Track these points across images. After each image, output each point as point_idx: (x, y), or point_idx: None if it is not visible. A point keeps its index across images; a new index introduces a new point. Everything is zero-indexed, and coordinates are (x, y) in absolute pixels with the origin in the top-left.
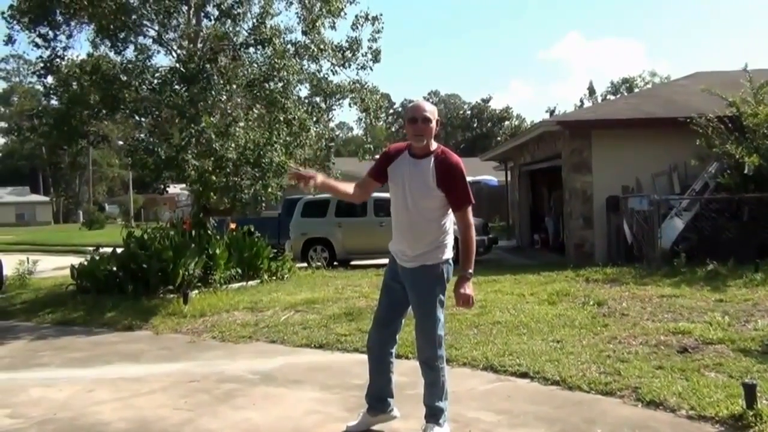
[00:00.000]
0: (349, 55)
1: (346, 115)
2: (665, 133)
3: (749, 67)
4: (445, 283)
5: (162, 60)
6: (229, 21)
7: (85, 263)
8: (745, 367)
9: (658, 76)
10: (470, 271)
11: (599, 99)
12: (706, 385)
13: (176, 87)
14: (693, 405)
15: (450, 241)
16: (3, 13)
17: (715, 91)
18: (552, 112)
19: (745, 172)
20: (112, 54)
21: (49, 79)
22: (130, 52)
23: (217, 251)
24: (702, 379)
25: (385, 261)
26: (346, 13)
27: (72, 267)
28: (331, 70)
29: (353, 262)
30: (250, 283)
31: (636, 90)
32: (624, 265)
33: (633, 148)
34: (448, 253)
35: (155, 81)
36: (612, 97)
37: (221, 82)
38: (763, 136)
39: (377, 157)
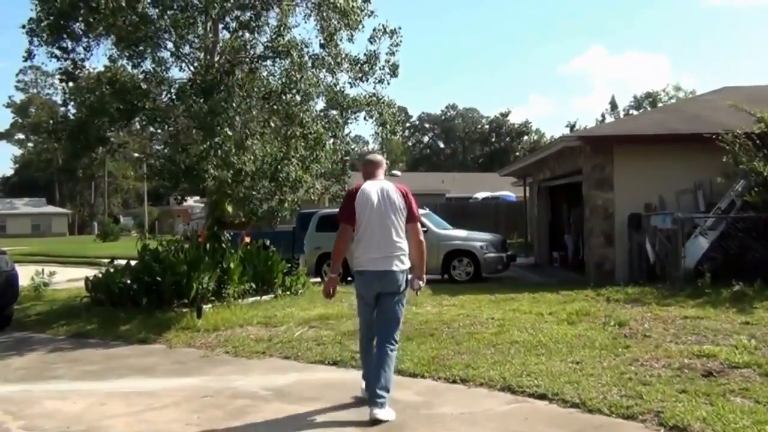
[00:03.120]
0: (367, 69)
1: (362, 128)
2: (690, 149)
3: None
4: None
5: (178, 75)
6: (246, 33)
7: (100, 275)
8: None
9: (683, 90)
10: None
11: (621, 114)
12: (732, 411)
13: (195, 98)
14: (718, 431)
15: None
16: (23, 26)
17: (742, 107)
18: (572, 127)
19: None
20: (129, 67)
21: (70, 85)
22: (147, 65)
23: (231, 265)
24: (727, 404)
25: None
26: (364, 26)
27: (86, 279)
28: (349, 83)
29: None
30: (264, 297)
31: (660, 105)
32: (646, 285)
33: (656, 164)
34: None
35: (173, 91)
36: (635, 112)
37: (240, 94)
38: None
39: (394, 172)
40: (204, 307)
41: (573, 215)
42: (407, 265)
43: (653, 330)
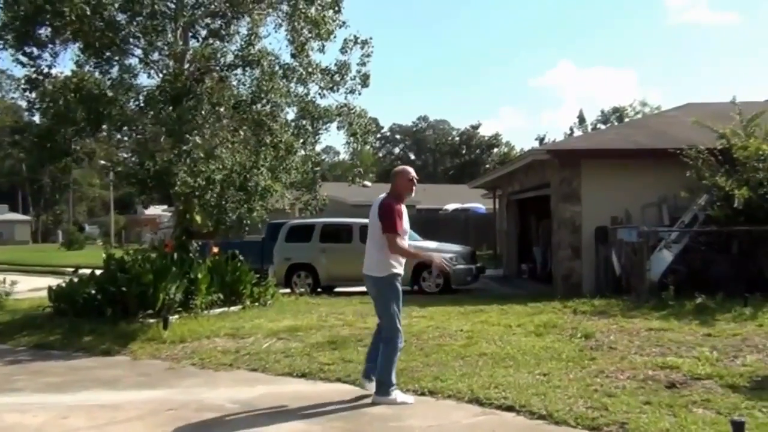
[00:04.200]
0: (338, 79)
1: (332, 139)
2: (655, 164)
3: (738, 99)
4: None
5: (146, 82)
6: (216, 41)
7: (63, 285)
8: (734, 404)
9: (649, 105)
10: None
11: (589, 128)
12: (694, 422)
13: (163, 106)
14: None
15: None
16: None
17: (705, 123)
18: (542, 140)
19: (735, 205)
20: (96, 74)
21: (33, 95)
22: (115, 72)
23: (199, 275)
24: (690, 415)
25: None
26: (335, 37)
27: (50, 289)
28: (319, 94)
29: (337, 289)
30: (232, 308)
31: (626, 119)
32: (612, 297)
33: (623, 178)
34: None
35: (141, 98)
36: (602, 126)
37: (210, 102)
38: (753, 169)
39: (365, 183)
40: (170, 318)
41: (541, 228)
42: (380, 273)
43: (619, 342)
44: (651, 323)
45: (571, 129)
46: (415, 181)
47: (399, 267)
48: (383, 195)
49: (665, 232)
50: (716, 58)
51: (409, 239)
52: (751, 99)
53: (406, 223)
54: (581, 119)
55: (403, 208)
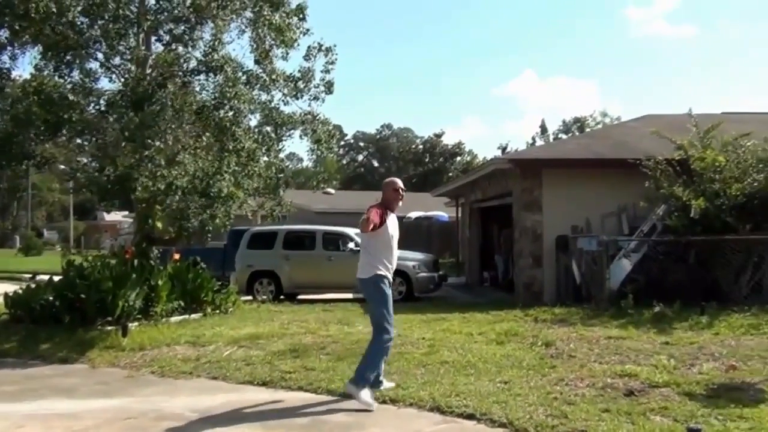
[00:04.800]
0: (302, 86)
1: (296, 145)
2: (615, 173)
3: (694, 111)
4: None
5: (107, 86)
6: (180, 47)
7: (20, 291)
8: (690, 411)
9: (609, 116)
10: None
11: (551, 137)
12: (652, 430)
13: (125, 110)
14: None
15: None
16: None
17: (664, 134)
18: (504, 149)
19: (692, 215)
20: (56, 77)
21: None
22: (75, 75)
23: (160, 282)
24: (648, 423)
25: (333, 296)
26: (299, 44)
27: (6, 295)
28: (283, 101)
29: (300, 297)
30: (193, 316)
31: (587, 129)
32: (572, 306)
33: (583, 187)
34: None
35: (102, 103)
36: (564, 136)
37: (172, 107)
38: (709, 179)
39: (328, 190)
40: (130, 325)
41: (503, 236)
42: (365, 274)
43: (578, 350)
44: (610, 331)
45: (534, 138)
46: (401, 191)
47: (383, 269)
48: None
49: (624, 242)
50: (675, 71)
51: None
52: (708, 111)
53: (393, 228)
54: (543, 129)
55: (393, 217)
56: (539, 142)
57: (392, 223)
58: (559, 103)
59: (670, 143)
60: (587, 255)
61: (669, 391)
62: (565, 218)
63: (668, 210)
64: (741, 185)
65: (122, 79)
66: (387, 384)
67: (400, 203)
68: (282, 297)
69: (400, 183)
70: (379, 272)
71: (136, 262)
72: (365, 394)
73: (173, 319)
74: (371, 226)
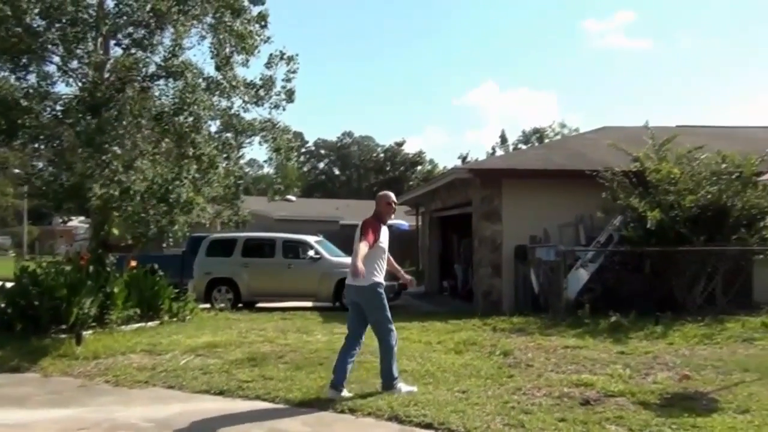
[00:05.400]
0: (262, 94)
1: (257, 152)
2: (573, 184)
3: (651, 124)
4: None
5: (64, 90)
6: (139, 51)
7: None
8: (645, 421)
9: (568, 127)
10: None
11: (511, 148)
12: None
13: (81, 116)
14: None
15: None
16: None
17: (620, 146)
18: (464, 159)
19: (648, 226)
20: (12, 80)
21: None
22: (32, 79)
23: (115, 290)
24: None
25: (293, 304)
26: (260, 51)
27: None
28: (243, 108)
29: (259, 305)
30: (149, 324)
31: (546, 140)
32: (530, 315)
33: (542, 198)
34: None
35: (58, 108)
36: (523, 146)
37: (131, 113)
38: (664, 191)
39: (289, 197)
40: (84, 333)
41: (463, 245)
42: (363, 282)
43: (536, 359)
44: (567, 341)
45: (494, 148)
46: (393, 204)
47: (379, 275)
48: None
49: (582, 252)
50: (632, 83)
51: (332, 255)
52: (664, 124)
53: (384, 239)
54: (503, 139)
55: (384, 228)
56: (499, 152)
57: (384, 234)
58: (519, 113)
59: (627, 155)
60: (545, 265)
61: (624, 400)
62: (524, 228)
63: (624, 221)
64: (695, 197)
65: (80, 84)
66: (336, 395)
67: (393, 215)
68: (240, 305)
69: (393, 197)
70: (376, 279)
71: (91, 268)
72: (402, 386)
73: (129, 327)
74: (372, 243)
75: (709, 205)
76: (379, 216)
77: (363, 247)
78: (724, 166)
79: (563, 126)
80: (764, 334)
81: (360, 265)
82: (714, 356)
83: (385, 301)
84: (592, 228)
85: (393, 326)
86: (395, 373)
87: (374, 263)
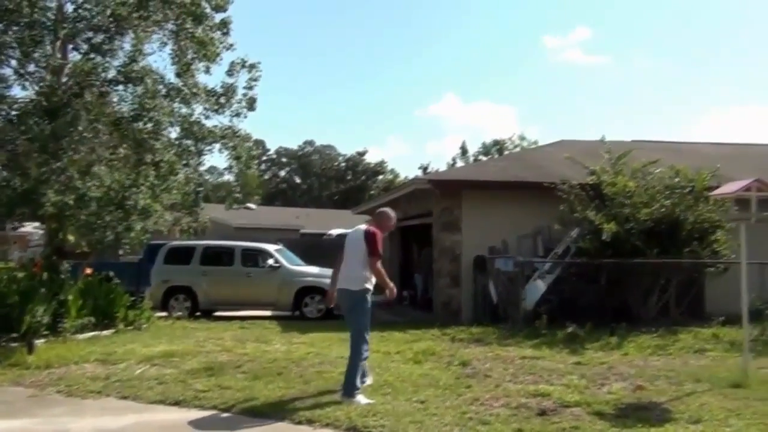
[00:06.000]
0: (223, 101)
1: (217, 159)
2: (532, 196)
3: (607, 138)
4: None
5: (20, 93)
6: (98, 56)
7: None
8: (600, 431)
9: (527, 140)
10: None
11: (471, 159)
12: None
13: (37, 120)
14: None
15: None
16: None
17: (577, 160)
18: (425, 169)
19: (604, 238)
20: None
21: None
22: None
23: (70, 297)
24: None
25: (252, 312)
26: (222, 59)
27: None
28: (204, 115)
29: (217, 313)
30: (104, 332)
31: (506, 152)
32: (489, 325)
33: (501, 209)
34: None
35: (13, 112)
36: (484, 158)
37: (87, 118)
38: (620, 204)
39: (249, 205)
40: (36, 342)
41: (423, 255)
42: (357, 287)
43: (494, 370)
44: (525, 351)
45: (454, 159)
46: (394, 224)
47: (371, 283)
48: (364, 225)
49: (539, 263)
50: (589, 98)
51: (291, 263)
52: (620, 138)
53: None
54: (464, 150)
55: None
56: (460, 163)
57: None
58: (479, 125)
59: (584, 168)
60: (504, 275)
61: (580, 410)
62: (483, 239)
63: (581, 233)
64: (649, 210)
65: (36, 88)
66: (369, 380)
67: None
68: (198, 313)
69: (395, 218)
70: (368, 286)
71: (45, 275)
72: (361, 398)
73: (83, 335)
74: (381, 254)
75: (662, 218)
76: (380, 229)
77: (379, 265)
78: (677, 180)
79: (523, 138)
80: (715, 345)
81: (390, 283)
82: (667, 367)
83: (369, 308)
84: (550, 239)
85: (369, 336)
86: (358, 383)
87: (369, 271)
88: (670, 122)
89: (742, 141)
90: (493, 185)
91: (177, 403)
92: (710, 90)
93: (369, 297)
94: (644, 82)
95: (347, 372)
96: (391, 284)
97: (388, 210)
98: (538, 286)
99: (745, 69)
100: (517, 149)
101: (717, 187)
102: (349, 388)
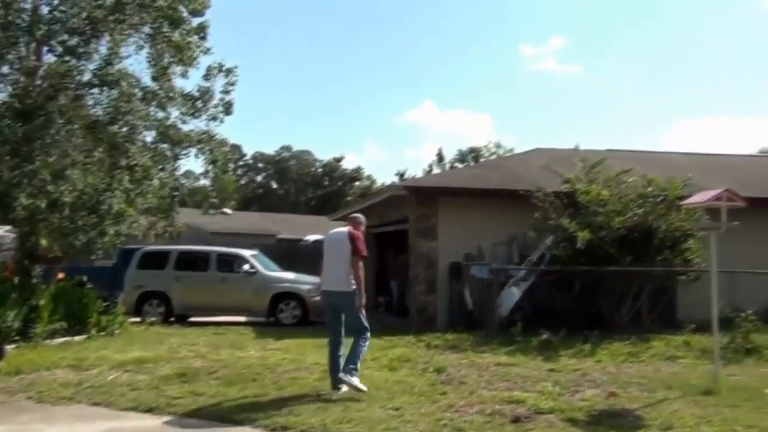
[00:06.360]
0: (200, 105)
1: (193, 164)
2: (507, 203)
3: (581, 147)
4: None
5: None
6: (73, 59)
7: None
8: None
9: (503, 147)
10: None
11: (448, 166)
12: None
13: (9, 122)
14: None
15: None
16: None
17: (552, 168)
18: (402, 176)
19: (578, 245)
20: None
21: None
22: None
23: (41, 302)
24: None
25: (227, 318)
26: (199, 63)
27: None
28: (180, 119)
29: (191, 319)
30: (76, 338)
31: (482, 160)
32: (464, 332)
33: (477, 216)
34: None
35: None
36: (460, 165)
37: (61, 121)
38: (594, 212)
39: (225, 210)
40: (6, 347)
41: (398, 262)
42: (347, 287)
43: (469, 376)
44: (499, 358)
45: (431, 166)
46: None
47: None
48: (343, 228)
49: (514, 270)
50: (564, 107)
51: (267, 269)
52: (594, 147)
53: None
54: (440, 157)
55: None
56: (436, 170)
57: None
58: (456, 132)
59: (559, 176)
60: (479, 282)
61: (554, 417)
62: (459, 245)
63: (556, 240)
64: (622, 219)
65: (10, 89)
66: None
67: None
68: (172, 319)
69: (365, 223)
70: (355, 286)
71: (16, 280)
72: (356, 380)
73: (55, 341)
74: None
75: (635, 226)
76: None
77: (360, 265)
78: (650, 189)
79: (498, 146)
80: (686, 353)
81: (363, 292)
82: (639, 374)
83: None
84: (525, 246)
85: (368, 324)
86: (358, 364)
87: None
88: (642, 132)
89: (713, 151)
90: (469, 192)
91: (150, 410)
92: (682, 100)
93: (357, 294)
94: (618, 91)
95: (351, 353)
96: (364, 295)
97: (359, 215)
98: (513, 293)
99: (717, 80)
100: (493, 157)
101: (688, 197)
102: (350, 369)
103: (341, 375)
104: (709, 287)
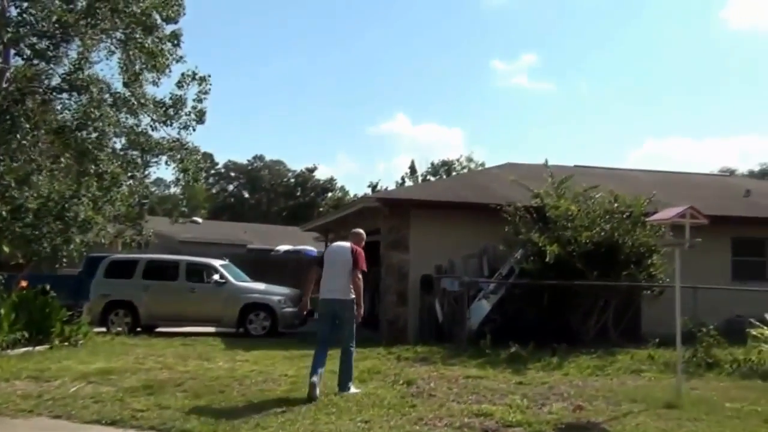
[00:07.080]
0: (172, 113)
1: (164, 172)
2: (478, 217)
3: (550, 162)
4: None
5: None
6: (42, 62)
7: None
8: None
9: (475, 161)
10: None
11: (420, 178)
12: None
13: None
14: None
15: None
16: None
17: (522, 182)
18: (374, 188)
19: (547, 259)
20: None
21: None
22: None
23: (2, 311)
24: None
25: (195, 329)
26: (171, 70)
27: None
28: (151, 126)
29: (159, 329)
30: (38, 348)
31: (454, 173)
32: (434, 344)
33: (448, 229)
34: None
35: None
36: (432, 178)
37: (27, 125)
38: (562, 227)
39: (195, 219)
40: None
41: (370, 273)
42: (347, 296)
43: (438, 389)
44: (469, 371)
45: (403, 178)
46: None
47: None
48: (346, 243)
49: (484, 283)
50: (534, 122)
51: (237, 279)
52: (563, 162)
53: None
54: (413, 170)
55: None
56: (408, 183)
57: None
58: (428, 145)
59: (528, 191)
60: (450, 295)
61: (521, 430)
62: (431, 258)
63: (525, 254)
64: (590, 234)
65: None
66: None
67: None
68: (139, 329)
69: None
70: (353, 295)
71: None
72: (352, 387)
73: (15, 351)
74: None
75: (602, 241)
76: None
77: (360, 279)
78: (616, 205)
79: (470, 160)
80: (650, 366)
81: (362, 303)
82: (605, 387)
83: (355, 315)
84: (495, 260)
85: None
86: (352, 376)
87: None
88: (609, 149)
89: (677, 169)
90: (440, 205)
91: (113, 423)
92: (648, 120)
93: (354, 304)
94: (586, 109)
95: (343, 371)
96: (362, 306)
97: (361, 231)
98: (483, 306)
99: (683, 101)
100: (465, 170)
101: (653, 213)
102: (346, 381)
103: (340, 394)
104: (672, 302)
